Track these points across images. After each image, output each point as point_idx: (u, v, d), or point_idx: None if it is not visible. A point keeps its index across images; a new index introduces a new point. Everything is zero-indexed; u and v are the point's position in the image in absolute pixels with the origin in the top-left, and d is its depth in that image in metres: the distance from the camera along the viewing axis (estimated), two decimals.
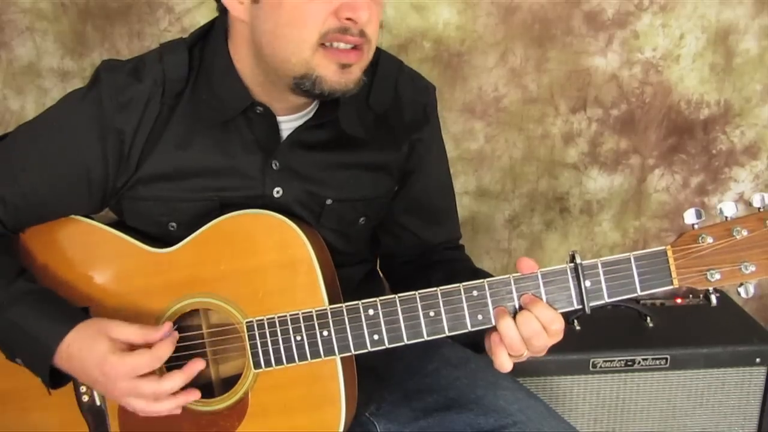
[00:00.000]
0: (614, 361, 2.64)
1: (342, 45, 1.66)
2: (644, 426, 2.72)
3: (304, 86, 1.69)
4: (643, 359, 2.64)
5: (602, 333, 2.71)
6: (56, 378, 1.78)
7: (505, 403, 1.87)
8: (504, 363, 1.63)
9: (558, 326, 1.60)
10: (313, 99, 1.77)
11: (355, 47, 1.67)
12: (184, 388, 1.73)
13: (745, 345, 2.66)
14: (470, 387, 1.93)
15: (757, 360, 2.66)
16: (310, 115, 1.86)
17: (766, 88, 3.18)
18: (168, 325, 1.74)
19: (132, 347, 1.72)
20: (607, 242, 3.38)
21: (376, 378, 1.96)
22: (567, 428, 1.88)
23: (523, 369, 1.74)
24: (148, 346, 1.71)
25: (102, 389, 1.75)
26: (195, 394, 1.75)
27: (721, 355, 2.65)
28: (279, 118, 1.84)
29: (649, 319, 2.74)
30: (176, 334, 1.75)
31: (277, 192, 1.85)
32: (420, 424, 1.89)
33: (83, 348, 1.71)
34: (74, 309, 1.81)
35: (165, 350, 1.71)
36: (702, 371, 2.67)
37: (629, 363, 2.64)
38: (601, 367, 2.64)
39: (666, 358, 2.64)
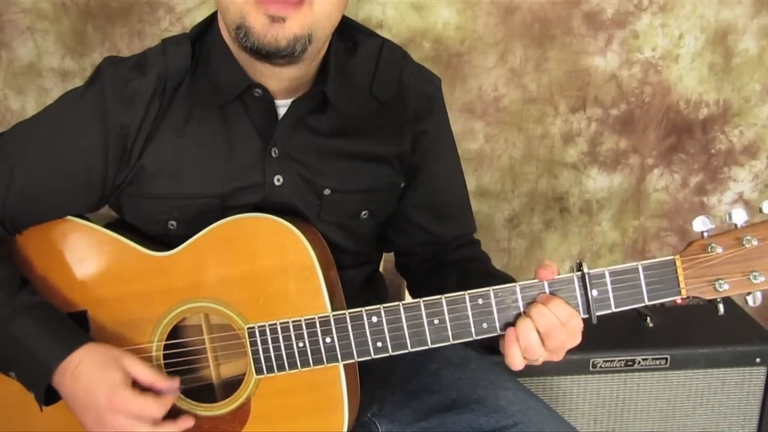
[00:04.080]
0: (614, 361, 2.63)
1: None
2: (644, 426, 2.72)
3: (239, 38, 1.67)
4: (643, 359, 2.63)
5: (602, 333, 2.69)
6: (49, 394, 1.77)
7: (506, 404, 1.87)
8: (515, 359, 1.63)
9: (576, 323, 1.60)
10: (254, 57, 1.71)
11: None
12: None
13: (745, 345, 2.66)
14: (471, 387, 1.92)
15: (757, 360, 2.65)
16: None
17: (765, 87, 3.19)
18: (177, 382, 1.75)
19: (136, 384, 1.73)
20: (607, 242, 3.38)
21: (377, 378, 1.96)
22: (568, 429, 1.88)
23: (523, 369, 1.74)
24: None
25: (95, 416, 1.73)
26: None
27: (721, 355, 2.65)
28: (278, 102, 1.83)
29: (649, 319, 2.74)
30: (179, 390, 1.77)
31: (278, 180, 1.83)
32: (421, 424, 1.89)
33: (94, 370, 1.71)
34: (78, 330, 1.80)
35: (170, 403, 1.73)
36: (702, 371, 2.66)
37: (629, 363, 2.64)
38: (601, 367, 2.64)
39: (666, 358, 2.63)
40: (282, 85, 1.81)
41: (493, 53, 3.08)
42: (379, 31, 2.86)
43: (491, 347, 1.73)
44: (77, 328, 1.81)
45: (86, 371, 1.71)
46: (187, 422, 1.77)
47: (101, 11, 2.95)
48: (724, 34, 3.12)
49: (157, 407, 1.71)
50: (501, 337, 1.66)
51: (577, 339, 1.63)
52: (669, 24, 3.08)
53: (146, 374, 1.73)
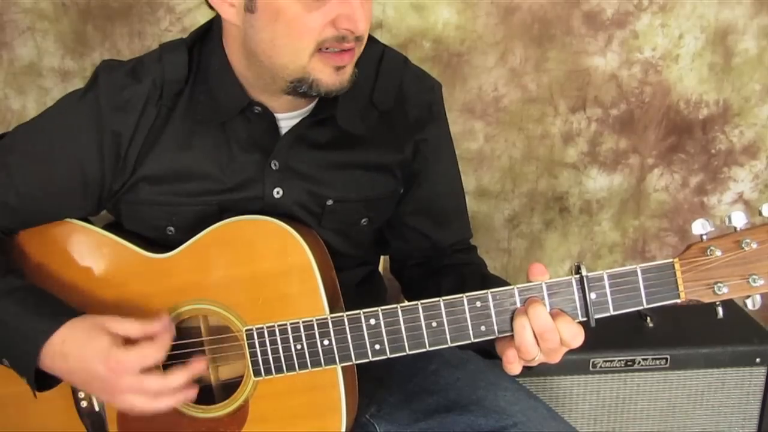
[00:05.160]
0: (614, 361, 2.64)
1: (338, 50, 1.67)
2: (644, 426, 2.72)
3: (300, 89, 1.70)
4: (643, 359, 2.64)
5: (602, 333, 2.67)
6: (42, 381, 1.76)
7: (505, 404, 1.87)
8: (512, 362, 1.62)
9: (577, 342, 1.59)
10: (305, 98, 1.76)
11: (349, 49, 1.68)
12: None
13: (745, 345, 2.67)
14: (470, 388, 1.92)
15: (757, 360, 2.66)
16: (309, 112, 1.86)
17: (765, 87, 3.19)
18: (166, 317, 1.72)
19: (130, 342, 1.70)
20: (607, 242, 3.38)
21: (376, 379, 1.95)
22: (567, 429, 1.87)
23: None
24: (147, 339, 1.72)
25: (101, 386, 1.71)
26: (194, 391, 1.73)
27: (721, 355, 2.65)
28: (278, 116, 1.83)
29: (649, 319, 2.75)
30: (173, 326, 1.74)
31: (278, 192, 1.84)
32: (420, 425, 1.88)
33: (81, 345, 1.69)
34: (63, 305, 1.79)
35: (167, 339, 1.71)
36: (702, 371, 2.67)
37: (629, 363, 2.64)
38: (601, 367, 2.64)
39: (666, 358, 2.64)
40: (284, 102, 1.82)
41: (493, 53, 3.08)
42: (378, 31, 2.87)
43: (487, 351, 1.73)
44: (61, 304, 1.79)
45: (73, 348, 1.69)
46: (199, 366, 1.73)
47: (101, 11, 2.95)
48: (724, 34, 3.12)
49: (155, 351, 1.69)
50: (498, 339, 1.65)
51: (574, 345, 1.61)
52: (669, 24, 3.08)
53: (134, 328, 1.71)
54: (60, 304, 1.79)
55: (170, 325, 1.74)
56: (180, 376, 1.70)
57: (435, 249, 2.06)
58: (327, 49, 1.66)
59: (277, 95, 1.78)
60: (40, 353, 1.71)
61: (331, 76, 1.68)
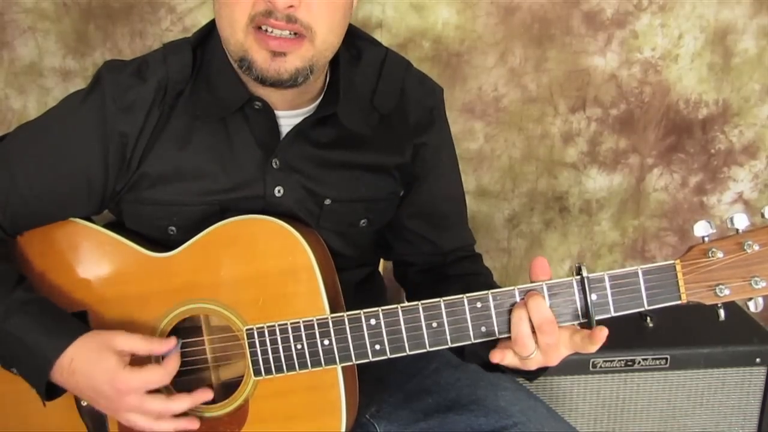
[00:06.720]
0: (614, 361, 2.63)
1: (275, 31, 1.65)
2: (644, 426, 2.72)
3: (243, 69, 1.70)
4: (643, 359, 2.64)
5: None
6: (51, 389, 1.77)
7: (505, 404, 1.86)
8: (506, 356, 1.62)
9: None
10: (258, 84, 1.74)
11: (295, 35, 1.66)
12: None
13: (745, 345, 2.67)
14: (471, 388, 1.92)
15: (757, 360, 2.66)
16: (312, 111, 1.86)
17: (764, 87, 3.19)
18: (174, 340, 1.75)
19: (135, 358, 1.72)
20: (606, 241, 3.38)
21: (376, 379, 1.96)
22: (567, 429, 1.88)
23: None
24: (153, 357, 1.74)
25: (106, 404, 1.74)
26: (195, 424, 1.77)
27: (721, 355, 2.65)
28: (279, 113, 1.83)
29: (649, 319, 2.74)
30: (179, 349, 1.76)
31: (279, 191, 1.84)
32: (420, 425, 1.89)
33: (89, 363, 1.71)
34: (73, 321, 1.80)
35: (174, 365, 1.73)
36: (702, 371, 2.67)
37: (629, 363, 2.64)
38: (601, 367, 2.64)
39: (666, 358, 2.64)
40: (283, 98, 1.81)
41: (493, 53, 3.08)
42: (378, 31, 2.87)
43: (489, 363, 1.74)
44: (71, 321, 1.80)
45: (81, 366, 1.71)
46: (205, 395, 1.76)
47: (102, 11, 2.95)
48: (723, 34, 3.12)
49: (161, 374, 1.71)
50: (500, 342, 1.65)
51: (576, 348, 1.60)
52: (668, 24, 3.08)
53: (141, 345, 1.73)
54: (69, 320, 1.80)
55: (178, 347, 1.75)
56: (183, 402, 1.74)
57: (437, 254, 2.06)
58: (267, 30, 1.65)
59: (274, 91, 1.77)
60: (51, 370, 1.73)
61: (265, 60, 1.67)
